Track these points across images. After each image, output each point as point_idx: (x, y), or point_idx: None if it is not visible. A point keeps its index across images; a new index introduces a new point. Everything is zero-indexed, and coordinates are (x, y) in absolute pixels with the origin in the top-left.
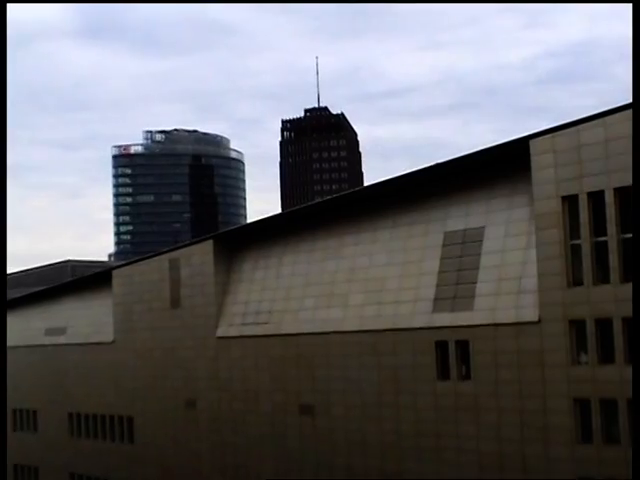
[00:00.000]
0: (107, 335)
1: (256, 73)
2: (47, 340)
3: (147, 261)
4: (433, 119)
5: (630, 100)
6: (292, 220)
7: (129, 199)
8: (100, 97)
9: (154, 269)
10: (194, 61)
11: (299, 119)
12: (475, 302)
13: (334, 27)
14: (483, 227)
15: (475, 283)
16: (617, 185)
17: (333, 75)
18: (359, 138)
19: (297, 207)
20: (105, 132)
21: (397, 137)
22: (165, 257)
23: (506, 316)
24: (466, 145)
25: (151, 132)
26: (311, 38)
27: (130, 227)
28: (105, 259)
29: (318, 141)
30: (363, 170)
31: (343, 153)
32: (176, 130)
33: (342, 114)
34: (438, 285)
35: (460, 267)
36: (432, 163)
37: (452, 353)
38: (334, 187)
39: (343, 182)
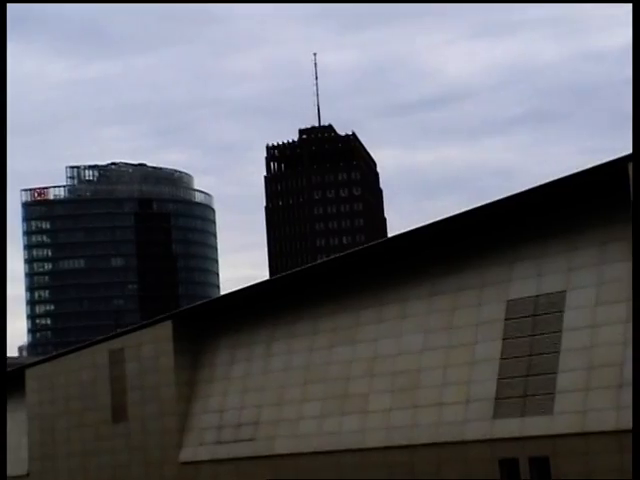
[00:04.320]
0: (18, 464)
1: (233, 78)
2: None
3: (76, 354)
4: (494, 137)
5: None
6: (285, 290)
7: (48, 265)
8: (8, 117)
9: (87, 366)
10: (142, 63)
11: (292, 144)
12: (556, 402)
13: (344, 11)
14: (564, 292)
15: (555, 374)
16: None
17: (341, 79)
18: (380, 168)
19: (292, 271)
20: (14, 168)
21: (440, 165)
22: (103, 347)
23: (602, 421)
24: (540, 173)
25: (78, 168)
26: (311, 27)
27: (50, 306)
28: (15, 354)
29: (320, 175)
30: (386, 215)
31: (357, 191)
32: (114, 164)
33: (354, 135)
34: (500, 378)
35: (532, 351)
36: (490, 200)
37: (525, 476)
38: (345, 240)
39: (357, 233)
